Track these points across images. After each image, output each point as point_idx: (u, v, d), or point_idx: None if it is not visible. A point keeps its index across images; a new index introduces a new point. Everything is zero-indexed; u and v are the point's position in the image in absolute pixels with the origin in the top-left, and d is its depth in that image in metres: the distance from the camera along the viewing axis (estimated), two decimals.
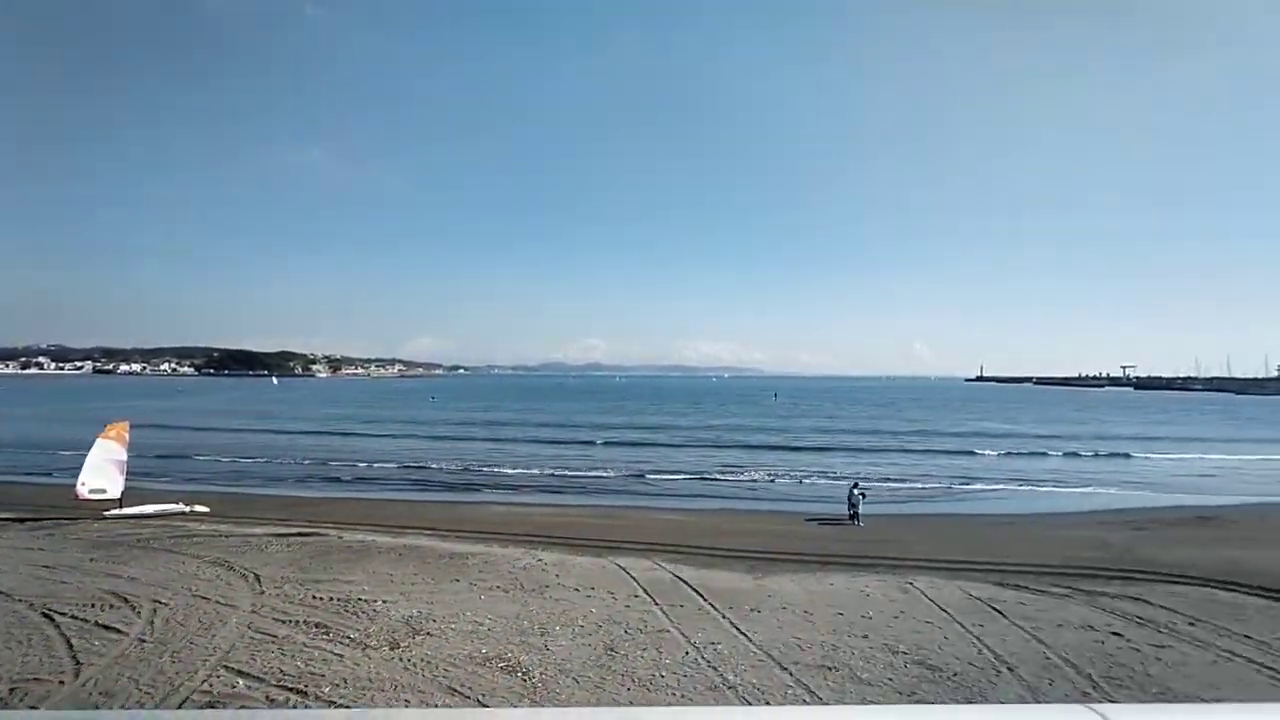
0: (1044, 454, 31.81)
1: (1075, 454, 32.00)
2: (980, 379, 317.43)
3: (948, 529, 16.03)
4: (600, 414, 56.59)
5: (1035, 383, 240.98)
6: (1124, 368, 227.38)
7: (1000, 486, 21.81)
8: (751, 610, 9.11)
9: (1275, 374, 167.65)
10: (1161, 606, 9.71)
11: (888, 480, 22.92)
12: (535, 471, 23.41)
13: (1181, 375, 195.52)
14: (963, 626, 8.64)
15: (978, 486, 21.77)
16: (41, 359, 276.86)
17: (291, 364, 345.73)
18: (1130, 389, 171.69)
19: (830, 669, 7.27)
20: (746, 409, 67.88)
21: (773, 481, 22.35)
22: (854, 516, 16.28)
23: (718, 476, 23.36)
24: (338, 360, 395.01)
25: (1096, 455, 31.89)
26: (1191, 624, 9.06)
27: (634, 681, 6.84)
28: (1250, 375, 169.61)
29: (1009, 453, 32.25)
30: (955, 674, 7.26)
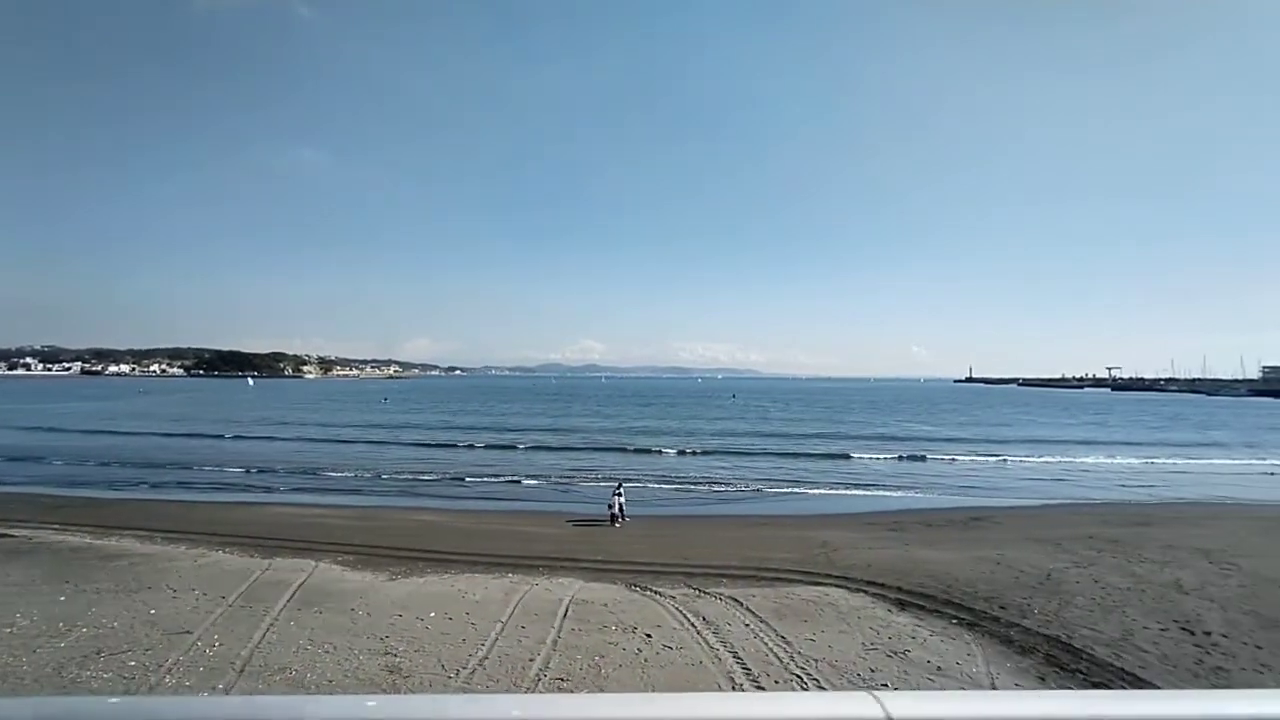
0: (922, 458, 31.87)
1: (955, 457, 32.01)
2: (969, 380, 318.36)
3: (694, 530, 16.13)
4: (530, 416, 56.69)
5: (1020, 384, 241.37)
6: (1109, 369, 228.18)
7: (818, 490, 21.94)
8: (316, 611, 9.24)
9: (1253, 376, 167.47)
10: (726, 607, 9.84)
11: (712, 483, 23.04)
12: (369, 474, 23.51)
13: (1163, 377, 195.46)
14: (502, 625, 8.79)
15: (791, 489, 21.92)
16: (29, 360, 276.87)
17: (282, 365, 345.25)
18: (1108, 390, 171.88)
19: (283, 670, 7.40)
20: (687, 411, 67.93)
21: (596, 484, 22.45)
22: (614, 518, 16.39)
23: (555, 479, 23.47)
24: (331, 361, 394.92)
25: (974, 456, 32.00)
26: (748, 625, 9.20)
27: (65, 679, 6.96)
28: (1224, 377, 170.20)
29: (895, 456, 32.31)
30: (408, 675, 7.40)
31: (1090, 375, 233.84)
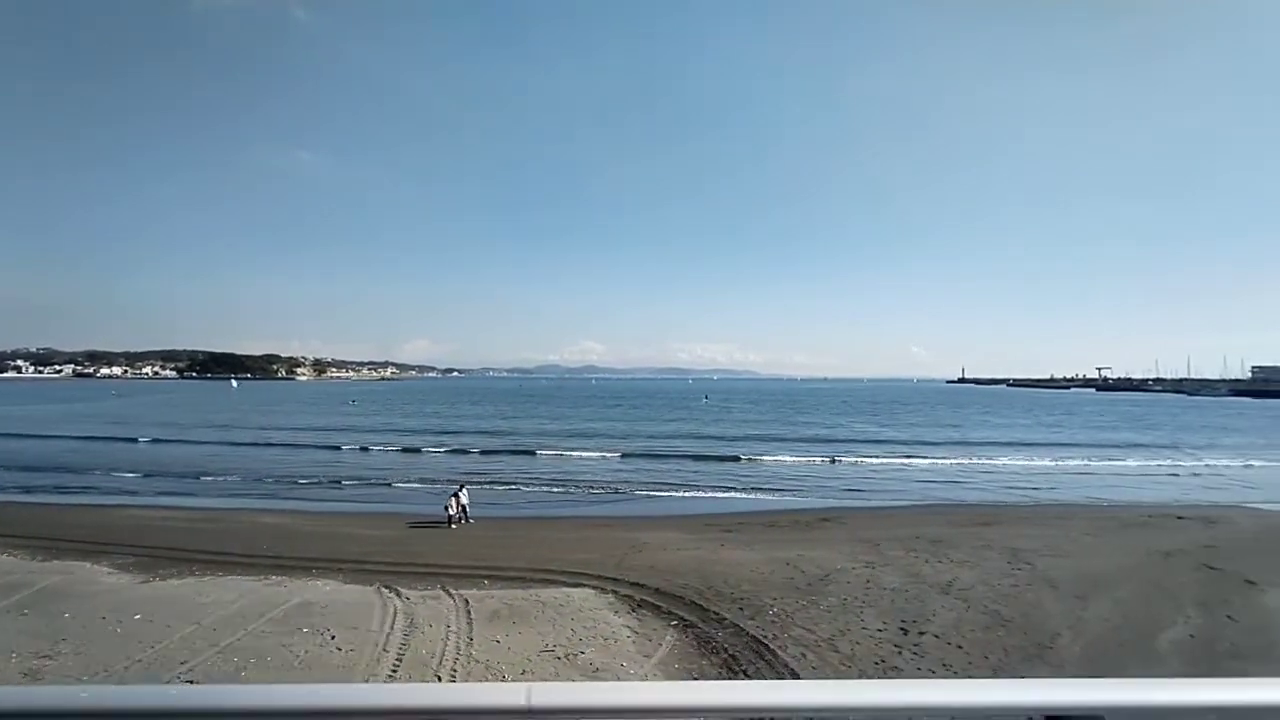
0: (833, 460, 31.88)
1: (866, 459, 32.07)
2: (962, 381, 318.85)
3: (528, 531, 16.28)
4: (482, 419, 56.82)
5: (1010, 385, 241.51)
6: (1099, 369, 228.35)
7: (693, 493, 22.14)
8: (23, 613, 9.35)
9: (1239, 376, 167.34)
10: (450, 608, 10.01)
11: (594, 485, 23.17)
12: (254, 478, 23.57)
13: (1151, 377, 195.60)
14: (197, 628, 8.86)
15: (670, 492, 22.16)
16: (20, 363, 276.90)
17: (275, 367, 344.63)
18: (1091, 390, 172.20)
19: None
20: (648, 413, 67.98)
21: (478, 488, 22.52)
22: (451, 519, 16.44)
23: (444, 482, 23.49)
24: (325, 363, 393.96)
25: (887, 459, 32.05)
26: (450, 626, 9.30)
27: None
28: (1212, 377, 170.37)
29: (810, 458, 32.32)
30: (39, 676, 7.47)
31: (1081, 376, 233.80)
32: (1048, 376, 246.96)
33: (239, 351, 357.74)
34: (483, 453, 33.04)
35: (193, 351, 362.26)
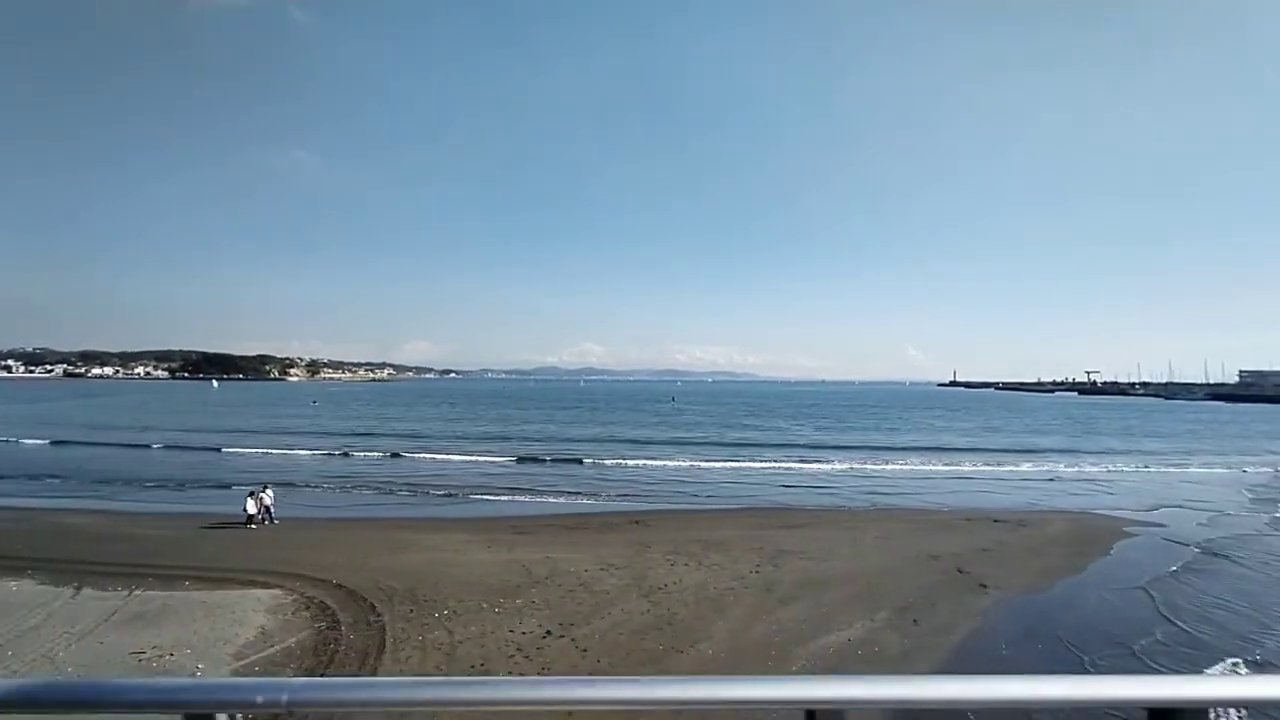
0: (724, 463, 31.94)
1: (756, 464, 32.11)
2: (953, 384, 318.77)
3: (323, 533, 16.42)
4: (420, 421, 56.96)
5: (998, 388, 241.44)
6: (1088, 372, 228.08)
7: (526, 497, 22.21)
8: None
9: (1223, 380, 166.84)
10: (103, 608, 9.96)
11: (441, 487, 23.22)
12: (104, 479, 23.60)
13: (1139, 381, 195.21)
14: None
15: (491, 496, 22.29)
16: (11, 362, 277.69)
17: (268, 367, 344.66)
18: (1075, 394, 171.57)
19: None
20: (600, 416, 68.03)
21: (337, 491, 22.60)
22: (250, 519, 16.48)
23: (296, 484, 23.56)
24: (321, 364, 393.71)
25: (782, 463, 32.10)
26: (75, 626, 9.32)
27: None
28: (1198, 381, 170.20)
29: (696, 460, 32.38)
30: None
31: (1070, 379, 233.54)
32: (1035, 380, 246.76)
33: (235, 352, 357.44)
34: (403, 455, 33.02)
35: (186, 352, 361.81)
